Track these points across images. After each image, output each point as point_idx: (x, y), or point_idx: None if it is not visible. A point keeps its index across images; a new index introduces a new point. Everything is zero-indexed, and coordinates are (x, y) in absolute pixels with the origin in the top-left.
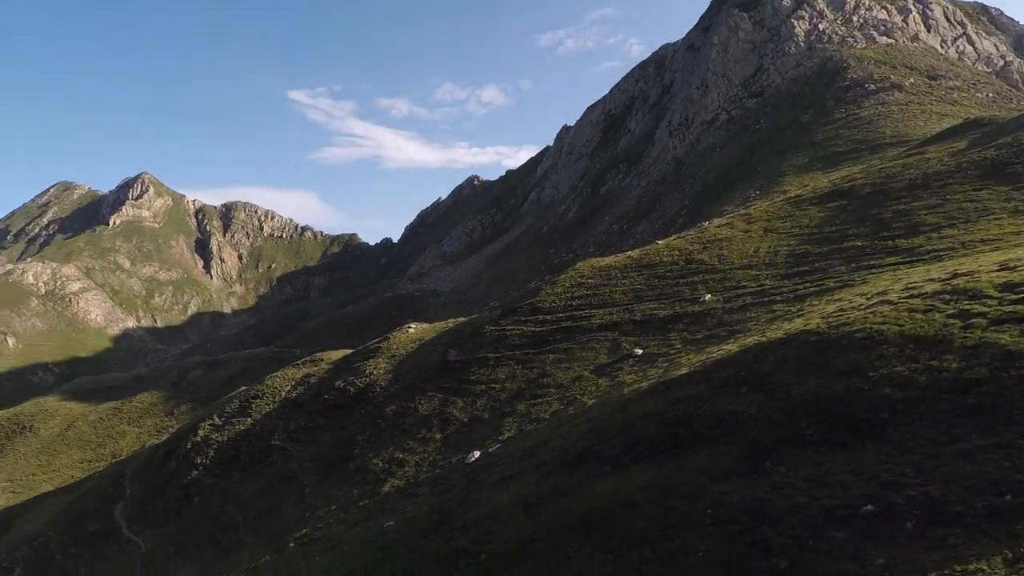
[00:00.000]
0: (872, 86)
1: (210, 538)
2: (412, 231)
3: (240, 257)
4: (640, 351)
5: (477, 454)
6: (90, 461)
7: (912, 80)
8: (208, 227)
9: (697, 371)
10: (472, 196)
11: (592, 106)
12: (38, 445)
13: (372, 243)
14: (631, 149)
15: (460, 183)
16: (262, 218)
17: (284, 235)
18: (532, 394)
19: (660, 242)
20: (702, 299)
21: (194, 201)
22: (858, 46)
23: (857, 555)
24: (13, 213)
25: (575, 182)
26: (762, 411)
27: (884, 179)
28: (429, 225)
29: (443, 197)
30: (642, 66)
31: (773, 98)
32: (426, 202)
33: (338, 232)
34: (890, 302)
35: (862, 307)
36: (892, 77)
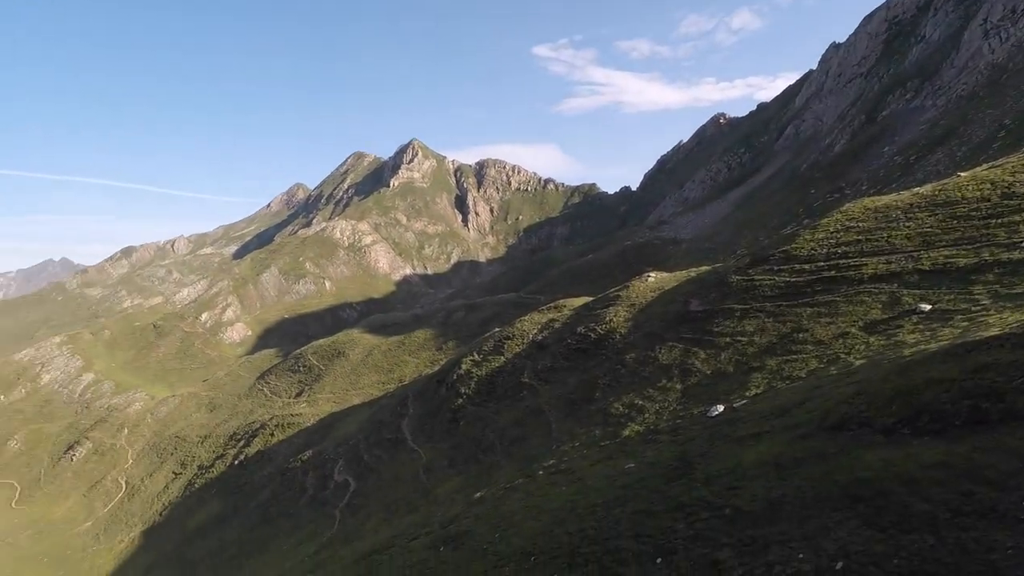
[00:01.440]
0: None
1: (473, 456)
2: (651, 178)
3: (492, 210)
4: (927, 307)
5: (721, 408)
6: (384, 383)
7: None
8: (465, 184)
9: (1014, 333)
10: (717, 136)
11: (870, 15)
12: (348, 367)
13: (611, 192)
14: (924, 61)
15: (704, 123)
16: (509, 173)
17: (529, 188)
18: (785, 349)
19: (963, 174)
20: None
21: (453, 161)
22: None
23: None
24: (324, 181)
25: (844, 109)
26: None
27: None
28: (669, 170)
29: (684, 140)
30: None
31: None
32: (666, 147)
33: (578, 183)
34: None
35: None
36: None
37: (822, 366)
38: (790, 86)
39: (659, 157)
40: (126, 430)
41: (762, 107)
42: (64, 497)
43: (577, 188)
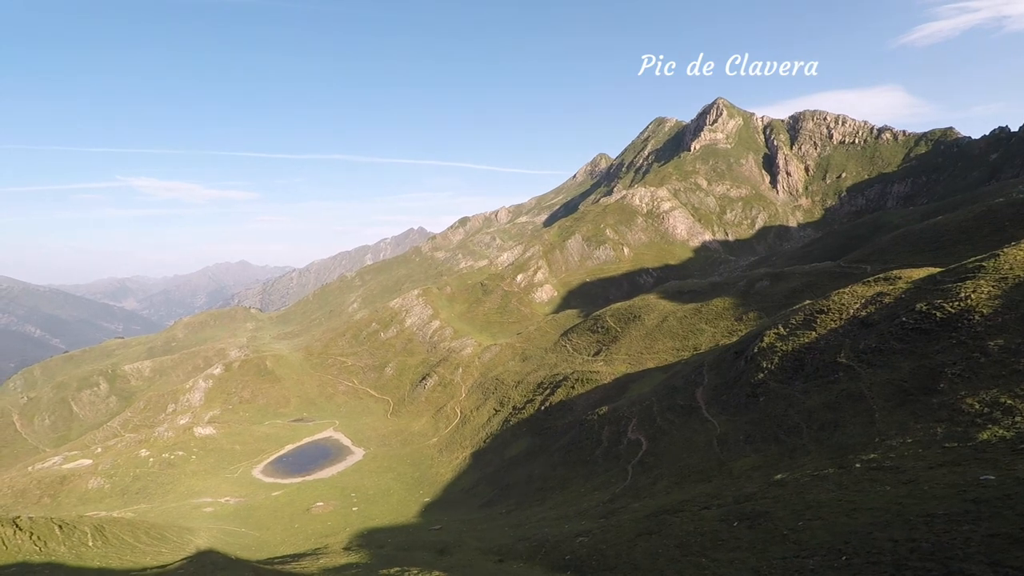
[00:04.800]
0: None
1: (774, 436)
2: None
3: (807, 169)
4: None
5: None
6: (678, 349)
7: None
8: (775, 141)
9: None
10: None
11: None
12: (643, 331)
13: (976, 136)
14: None
15: None
16: (831, 125)
17: (856, 141)
18: None
19: None
20: None
21: (762, 118)
22: None
23: None
24: (625, 149)
25: None
26: None
27: None
28: None
29: None
30: None
31: None
32: None
33: (926, 128)
34: None
35: None
36: None
37: None
38: None
39: None
40: (460, 369)
41: None
42: (419, 415)
43: (924, 136)
